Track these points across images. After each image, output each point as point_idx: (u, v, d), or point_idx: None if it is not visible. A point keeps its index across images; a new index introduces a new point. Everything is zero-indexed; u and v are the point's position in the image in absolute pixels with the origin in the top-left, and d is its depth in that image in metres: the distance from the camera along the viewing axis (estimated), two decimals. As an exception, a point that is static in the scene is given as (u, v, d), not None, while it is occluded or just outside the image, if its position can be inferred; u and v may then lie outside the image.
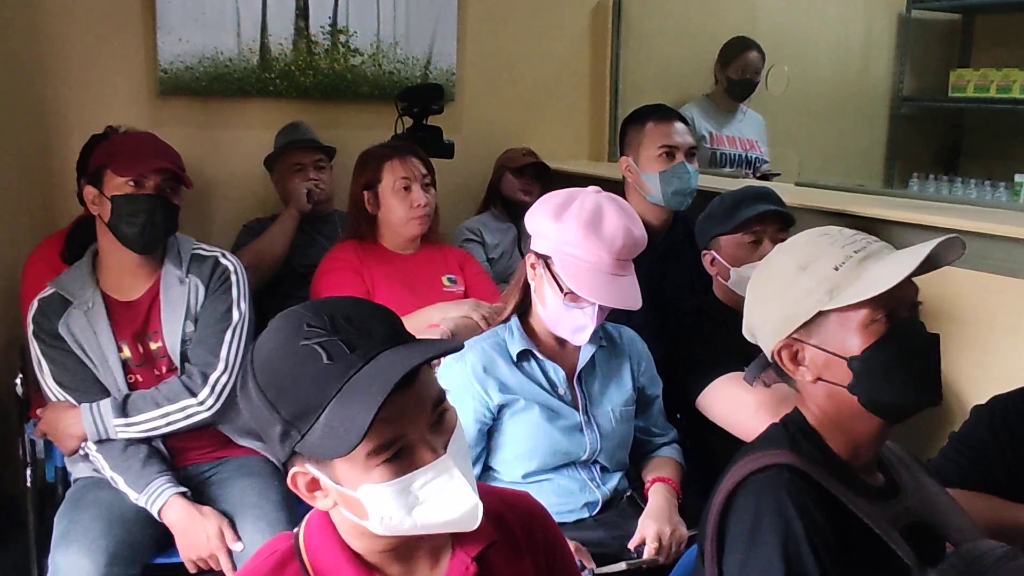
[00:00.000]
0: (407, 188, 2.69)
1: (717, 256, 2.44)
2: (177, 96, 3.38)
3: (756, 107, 4.21)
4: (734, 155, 4.11)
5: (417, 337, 1.20)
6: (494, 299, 2.49)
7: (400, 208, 2.69)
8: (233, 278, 2.41)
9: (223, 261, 2.44)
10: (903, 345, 1.35)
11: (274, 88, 3.50)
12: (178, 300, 2.35)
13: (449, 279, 2.75)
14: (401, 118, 3.21)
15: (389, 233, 2.74)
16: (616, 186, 2.79)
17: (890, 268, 1.35)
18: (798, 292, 1.40)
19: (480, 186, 3.71)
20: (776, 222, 2.38)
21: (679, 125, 2.80)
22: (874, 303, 1.35)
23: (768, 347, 1.45)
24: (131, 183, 2.28)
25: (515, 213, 3.48)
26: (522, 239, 3.55)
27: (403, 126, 3.22)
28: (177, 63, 3.34)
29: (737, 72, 4.10)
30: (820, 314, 1.39)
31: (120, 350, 2.31)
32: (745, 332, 1.49)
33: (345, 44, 3.59)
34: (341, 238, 2.87)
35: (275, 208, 3.34)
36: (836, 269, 1.38)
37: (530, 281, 2.08)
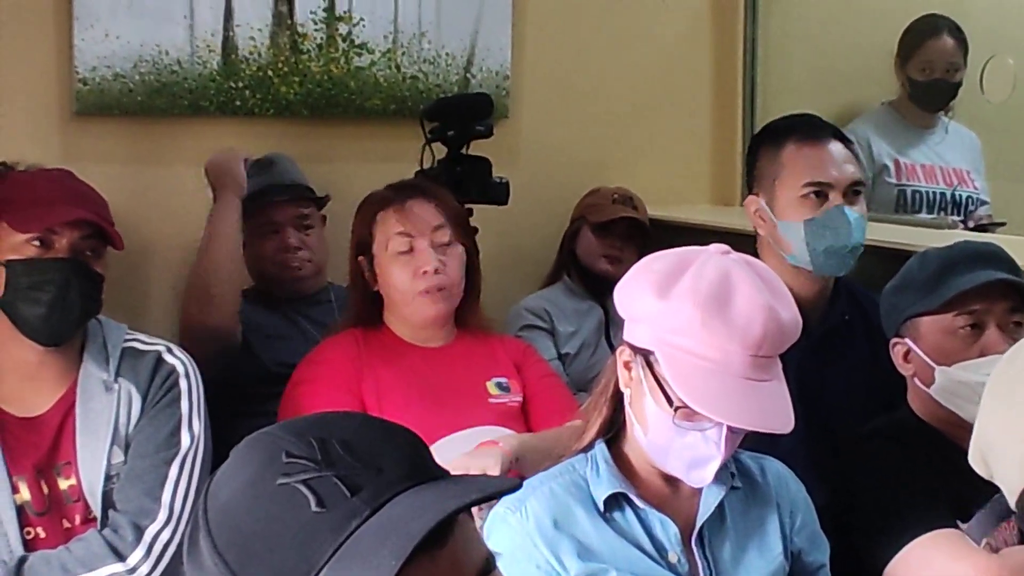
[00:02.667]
0: (409, 249, 2.73)
1: (914, 348, 2.44)
2: (101, 117, 3.44)
3: (967, 121, 4.20)
4: (933, 193, 4.09)
5: (452, 472, 1.22)
6: (569, 416, 2.49)
7: (400, 278, 2.74)
8: (183, 384, 2.45)
9: (168, 359, 2.48)
10: None
11: (243, 103, 3.56)
12: (102, 416, 2.39)
13: (498, 385, 2.78)
14: (430, 145, 3.26)
15: (396, 318, 2.79)
16: (753, 243, 2.79)
17: None
18: None
19: (547, 245, 3.74)
20: (1007, 297, 2.37)
21: (835, 148, 2.80)
22: None
23: (1015, 487, 1.43)
24: (35, 242, 2.35)
25: (601, 287, 3.51)
26: (612, 326, 3.55)
27: (433, 157, 3.26)
28: (102, 68, 3.40)
29: (920, 70, 4.09)
30: None
31: (15, 490, 2.35)
32: (973, 461, 1.46)
33: (347, 37, 3.66)
34: (336, 326, 2.91)
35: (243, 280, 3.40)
36: None
37: (623, 389, 2.08)
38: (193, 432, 2.42)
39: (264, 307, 3.36)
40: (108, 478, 2.37)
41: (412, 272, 2.72)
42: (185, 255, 3.52)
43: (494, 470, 2.41)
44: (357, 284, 2.82)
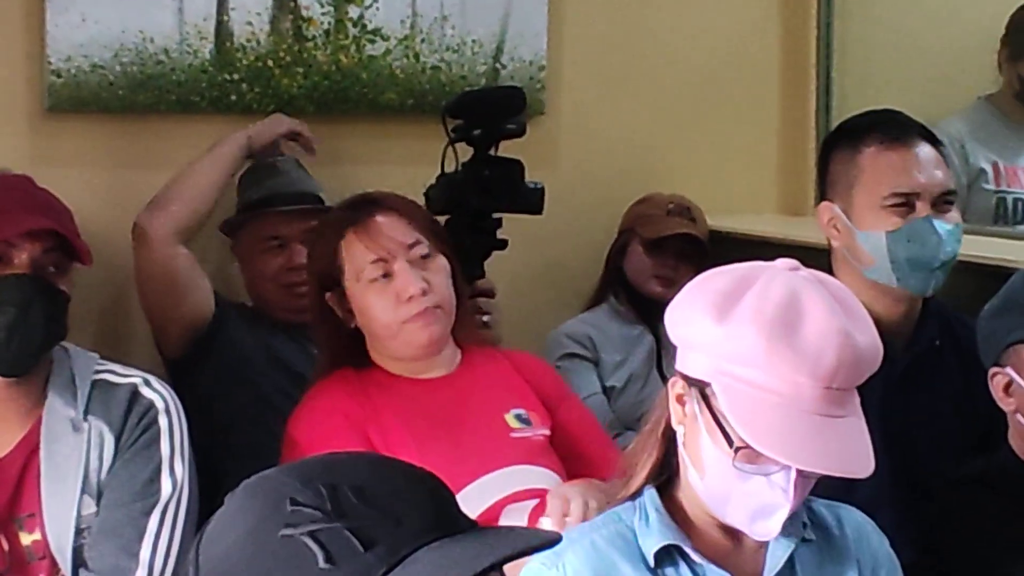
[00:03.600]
0: (385, 274, 2.71)
1: (1017, 379, 2.43)
2: (77, 114, 3.47)
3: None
4: (1040, 202, 4.09)
5: (479, 523, 1.22)
6: (612, 465, 2.47)
7: (382, 308, 2.71)
8: (163, 421, 2.46)
9: (146, 392, 2.48)
10: None
11: (239, 98, 3.59)
12: (69, 461, 2.40)
13: (518, 417, 2.77)
14: (453, 146, 3.25)
15: (383, 354, 2.77)
16: (826, 258, 2.79)
17: None
18: None
19: (589, 260, 3.75)
20: None
21: (923, 150, 2.79)
22: None
23: None
24: None
25: (652, 310, 3.50)
26: (664, 354, 3.55)
27: (457, 159, 3.27)
28: (78, 59, 3.43)
29: None
30: None
31: (-30, 547, 2.36)
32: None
33: (359, 22, 3.68)
34: (317, 373, 2.86)
35: (239, 295, 3.42)
36: None
37: (675, 426, 2.07)
38: (175, 477, 2.42)
39: (265, 328, 3.39)
40: (78, 532, 2.38)
41: (394, 299, 2.70)
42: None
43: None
44: (327, 324, 2.79)
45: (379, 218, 2.75)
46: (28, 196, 2.45)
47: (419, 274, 2.71)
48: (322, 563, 1.15)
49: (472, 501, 2.47)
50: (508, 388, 2.82)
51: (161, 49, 3.49)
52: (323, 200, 3.43)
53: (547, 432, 2.77)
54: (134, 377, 2.50)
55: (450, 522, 1.20)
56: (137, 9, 3.47)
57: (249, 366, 3.31)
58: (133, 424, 2.45)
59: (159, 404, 2.48)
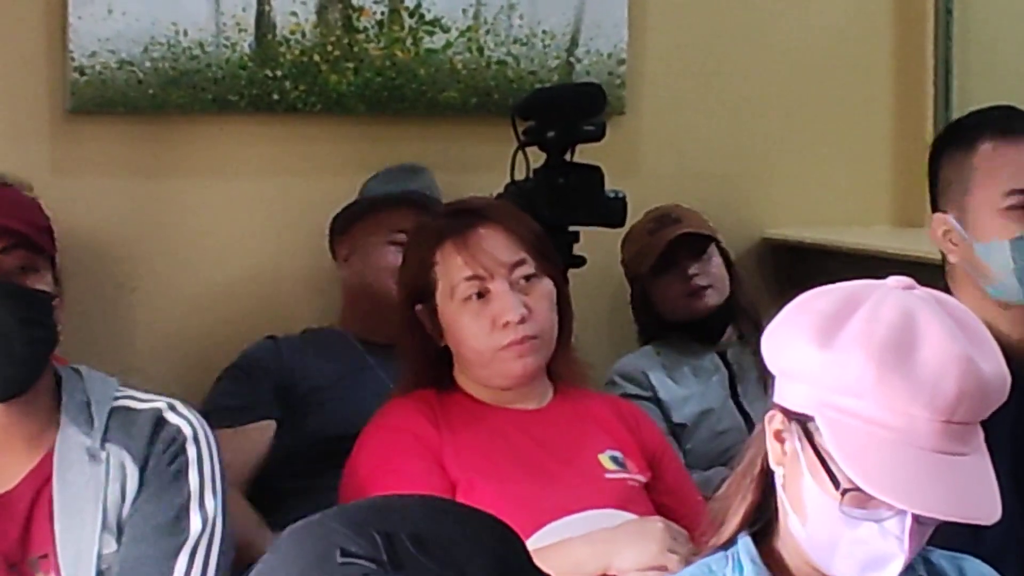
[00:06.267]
0: (480, 294, 2.73)
1: None
2: (102, 115, 3.50)
3: None
4: None
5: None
6: (697, 516, 2.46)
7: (475, 332, 2.73)
8: (191, 450, 2.45)
9: (172, 418, 2.47)
10: None
11: (282, 97, 3.62)
12: (86, 494, 2.39)
13: (613, 459, 2.78)
14: (524, 150, 3.27)
15: (472, 379, 2.80)
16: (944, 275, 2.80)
17: None
18: None
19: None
20: None
21: None
22: None
23: None
24: None
25: (710, 329, 3.66)
26: (739, 380, 3.59)
27: (528, 165, 3.28)
28: (104, 54, 3.45)
29: None
30: None
31: (-24, 589, 2.36)
32: None
33: (416, 12, 3.70)
34: (397, 390, 2.91)
35: (321, 319, 3.47)
36: None
37: (773, 467, 2.05)
38: (206, 513, 2.41)
39: (344, 350, 3.48)
40: (99, 574, 2.37)
41: (489, 324, 2.71)
42: (200, 294, 3.56)
43: (662, 559, 2.47)
44: (414, 338, 2.82)
45: (481, 231, 2.76)
46: None
47: (519, 298, 2.72)
48: (377, 623, 1.15)
49: (554, 540, 2.51)
50: (606, 430, 2.83)
51: (195, 43, 3.52)
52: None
53: (643, 479, 2.79)
54: (157, 402, 2.50)
55: (518, 574, 1.19)
56: (168, 1, 3.49)
57: (324, 392, 3.39)
58: (159, 451, 2.44)
59: (187, 431, 2.47)
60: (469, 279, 2.72)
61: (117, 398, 2.49)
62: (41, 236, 2.41)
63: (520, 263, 2.75)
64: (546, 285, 2.78)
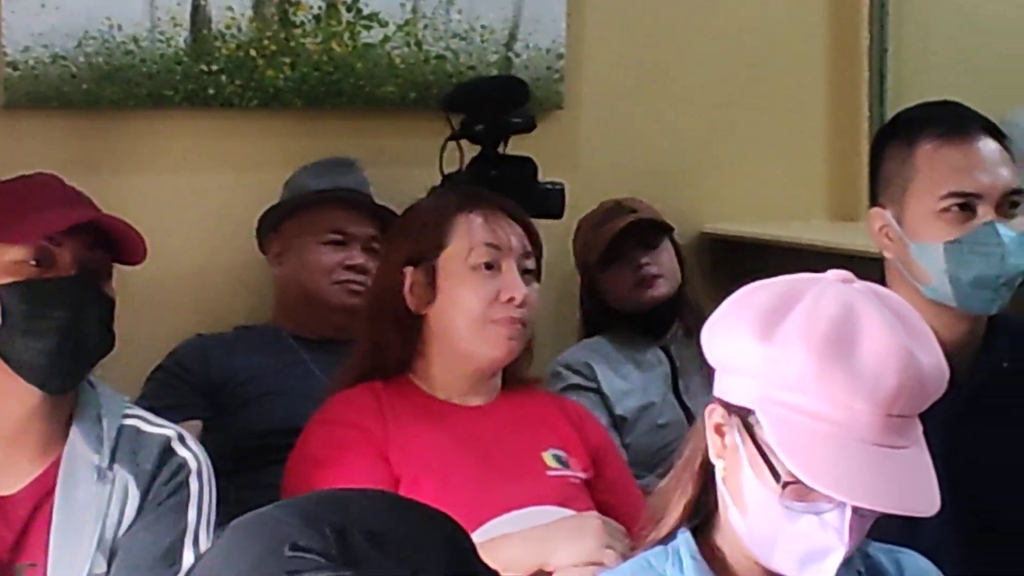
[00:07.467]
0: (490, 265, 2.75)
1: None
2: (35, 110, 3.49)
3: None
4: None
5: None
6: (638, 512, 2.46)
7: (478, 297, 2.75)
8: (194, 485, 2.46)
9: (179, 450, 2.48)
10: None
11: (218, 91, 3.61)
12: (87, 511, 2.38)
13: (556, 457, 2.79)
14: (457, 142, 3.27)
15: (443, 360, 2.80)
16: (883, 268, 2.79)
17: None
18: None
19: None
20: None
21: (985, 145, 2.76)
22: None
23: None
24: (31, 260, 2.33)
25: (657, 322, 3.67)
26: (681, 376, 3.59)
27: (461, 158, 3.27)
28: (37, 49, 3.43)
29: None
30: None
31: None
32: None
33: (353, 6, 3.70)
34: (341, 376, 2.91)
35: (254, 314, 3.45)
36: None
37: (714, 460, 2.05)
38: (199, 550, 2.41)
39: (277, 347, 3.46)
40: (87, 592, 2.36)
41: (494, 294, 2.74)
42: (133, 291, 3.53)
43: (598, 554, 2.46)
44: (382, 306, 2.82)
45: (501, 215, 2.82)
46: (62, 190, 2.46)
47: (524, 285, 2.77)
48: (327, 617, 1.14)
49: (494, 536, 2.51)
50: (550, 428, 2.85)
51: (130, 37, 3.50)
52: (382, 208, 3.46)
53: (584, 476, 2.80)
54: (168, 430, 2.50)
55: (467, 569, 1.19)
56: (102, -6, 3.48)
57: (265, 388, 3.38)
58: (163, 481, 2.44)
59: (192, 464, 2.47)
60: (489, 245, 2.76)
61: (126, 415, 2.48)
62: (128, 231, 2.42)
63: (529, 256, 2.81)
64: (536, 288, 2.82)
